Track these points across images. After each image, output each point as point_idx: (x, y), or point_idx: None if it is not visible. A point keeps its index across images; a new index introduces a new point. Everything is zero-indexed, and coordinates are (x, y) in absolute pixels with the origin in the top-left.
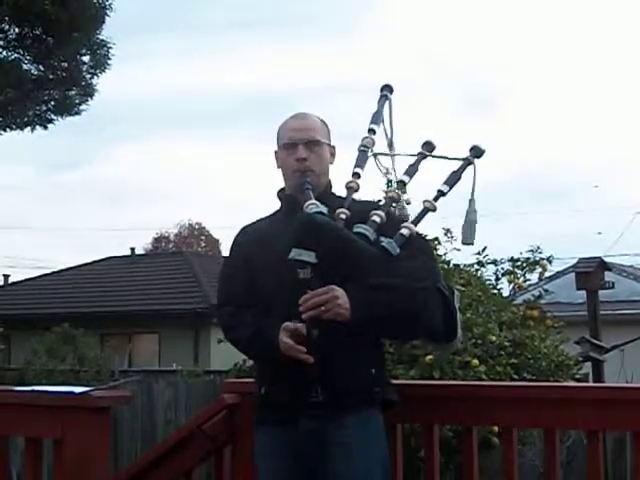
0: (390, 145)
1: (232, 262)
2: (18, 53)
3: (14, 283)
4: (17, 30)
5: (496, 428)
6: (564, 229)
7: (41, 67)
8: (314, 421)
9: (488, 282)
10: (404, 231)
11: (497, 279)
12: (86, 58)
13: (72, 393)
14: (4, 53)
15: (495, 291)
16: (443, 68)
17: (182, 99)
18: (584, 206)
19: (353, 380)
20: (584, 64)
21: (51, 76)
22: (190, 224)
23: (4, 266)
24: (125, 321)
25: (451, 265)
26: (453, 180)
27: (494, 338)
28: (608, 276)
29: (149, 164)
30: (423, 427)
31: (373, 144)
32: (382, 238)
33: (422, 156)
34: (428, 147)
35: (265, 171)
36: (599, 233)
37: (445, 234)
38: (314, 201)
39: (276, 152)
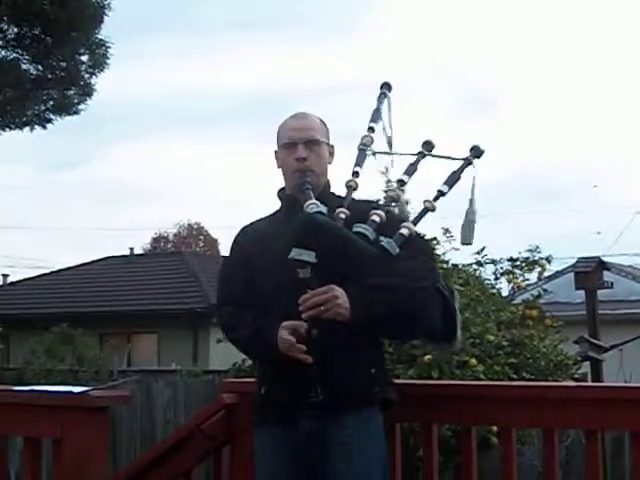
0: (389, 143)
1: (232, 262)
2: (17, 53)
3: (13, 283)
4: (16, 30)
5: (495, 428)
6: (563, 229)
7: (40, 67)
8: (314, 421)
9: (487, 282)
10: (403, 231)
11: (496, 279)
12: (85, 58)
13: (71, 393)
14: (3, 53)
15: (494, 291)
16: (443, 68)
17: (180, 99)
18: (583, 206)
19: (353, 380)
20: (583, 64)
21: (50, 76)
22: (189, 224)
23: (3, 266)
24: (124, 321)
25: (450, 265)
26: (453, 180)
27: (492, 338)
28: (607, 276)
29: (148, 164)
30: (422, 426)
31: (372, 142)
32: (382, 238)
33: (422, 155)
34: (428, 146)
35: (264, 171)
36: (598, 233)
37: (444, 234)
38: (314, 201)
39: (276, 152)
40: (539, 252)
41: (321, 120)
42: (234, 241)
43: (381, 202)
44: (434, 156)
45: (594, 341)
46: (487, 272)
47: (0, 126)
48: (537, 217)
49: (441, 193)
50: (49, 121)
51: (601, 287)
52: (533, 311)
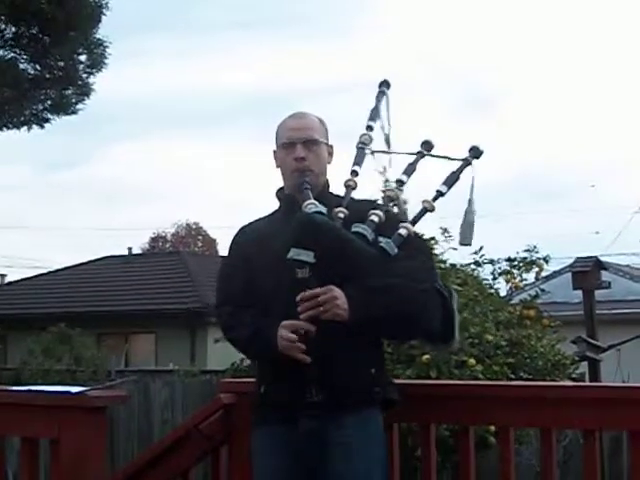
0: (387, 141)
1: (231, 262)
2: (14, 52)
3: (10, 283)
4: (13, 29)
5: (493, 427)
6: (561, 229)
7: (38, 66)
8: (313, 421)
9: (485, 282)
10: (402, 231)
11: (494, 279)
12: (83, 57)
13: (68, 393)
14: (0, 52)
15: (492, 291)
16: (442, 68)
17: (179, 98)
18: (581, 206)
19: (353, 380)
20: (582, 64)
21: (48, 75)
22: (187, 224)
23: (0, 266)
24: (122, 321)
25: (448, 265)
26: (452, 180)
27: (491, 337)
28: (605, 276)
29: (146, 164)
30: (420, 426)
31: (371, 141)
32: (380, 238)
33: (421, 155)
34: (427, 146)
35: (263, 171)
36: (596, 233)
37: (442, 233)
38: (313, 201)
39: (275, 151)
40: (537, 252)
41: (320, 120)
42: (233, 241)
43: (380, 202)
44: (433, 156)
45: (592, 341)
46: (485, 272)
47: None
48: (536, 217)
49: (440, 193)
50: (47, 121)
51: (599, 287)
52: (531, 311)
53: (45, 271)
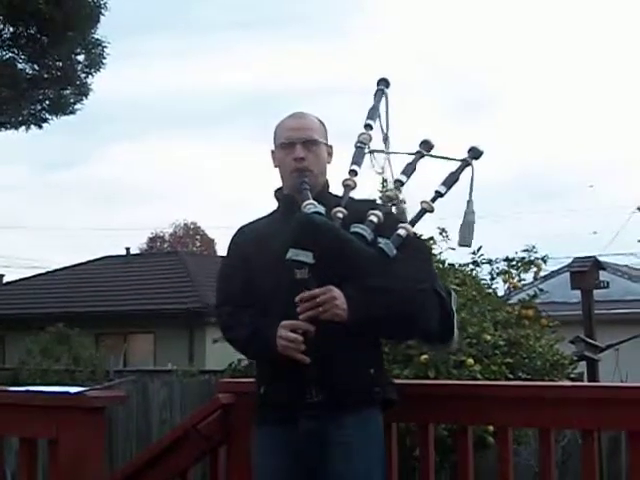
0: (385, 139)
1: (230, 262)
2: (13, 52)
3: (8, 283)
4: (11, 29)
5: (491, 427)
6: (559, 229)
7: (36, 66)
8: (313, 421)
9: (483, 282)
10: (401, 232)
11: (492, 279)
12: (81, 57)
13: (67, 393)
14: None
15: (490, 291)
16: (442, 68)
17: (178, 98)
18: (579, 206)
19: (353, 380)
20: (579, 65)
21: (46, 75)
22: (185, 224)
23: None
24: (120, 321)
25: (446, 265)
26: (451, 181)
27: (489, 337)
28: (603, 275)
29: (144, 164)
30: (418, 426)
31: (370, 140)
32: (379, 239)
33: (420, 155)
34: (426, 146)
35: (262, 171)
36: (594, 233)
37: (440, 233)
38: (312, 201)
39: (273, 151)
40: (535, 252)
41: (319, 120)
42: (232, 241)
43: (379, 202)
44: (432, 156)
45: (590, 341)
46: (483, 272)
47: None
48: (534, 217)
49: (439, 194)
50: (45, 121)
51: (597, 287)
52: (529, 311)
53: (43, 271)
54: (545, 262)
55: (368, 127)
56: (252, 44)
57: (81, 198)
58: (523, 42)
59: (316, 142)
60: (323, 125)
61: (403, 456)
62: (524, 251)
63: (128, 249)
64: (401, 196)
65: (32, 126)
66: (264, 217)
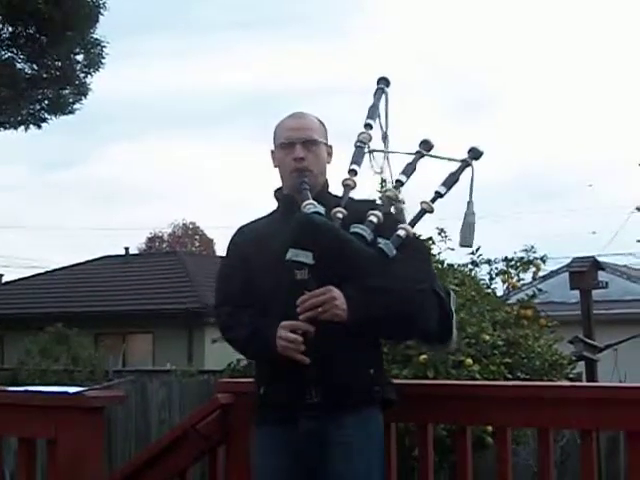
0: (384, 138)
1: (229, 262)
2: (12, 52)
3: (7, 283)
4: (11, 29)
5: (490, 427)
6: (558, 229)
7: (35, 66)
8: (313, 421)
9: (482, 282)
10: (401, 232)
11: (491, 279)
12: (80, 57)
13: (66, 393)
14: None
15: (489, 291)
16: (442, 69)
17: (177, 98)
18: (578, 205)
19: (352, 380)
20: (579, 66)
21: (45, 75)
22: (184, 224)
23: None
24: (119, 321)
25: (445, 265)
26: (451, 182)
27: (488, 337)
28: (602, 276)
29: (143, 163)
30: (417, 426)
31: (370, 140)
32: (379, 239)
33: (420, 155)
34: (426, 146)
35: (261, 171)
36: (593, 232)
37: (439, 234)
38: (312, 201)
39: (273, 151)
40: (534, 252)
41: (319, 120)
42: (231, 241)
43: (378, 202)
44: (432, 156)
45: (589, 341)
46: (482, 272)
47: None
48: (533, 217)
49: (439, 194)
50: (44, 120)
51: (596, 287)
52: (528, 311)
53: (42, 271)
54: (544, 262)
55: (368, 126)
56: (252, 44)
57: (80, 198)
58: (523, 42)
59: (316, 142)
60: (323, 125)
61: (402, 456)
62: (523, 251)
63: (127, 249)
64: (400, 196)
65: (31, 126)
66: (264, 217)
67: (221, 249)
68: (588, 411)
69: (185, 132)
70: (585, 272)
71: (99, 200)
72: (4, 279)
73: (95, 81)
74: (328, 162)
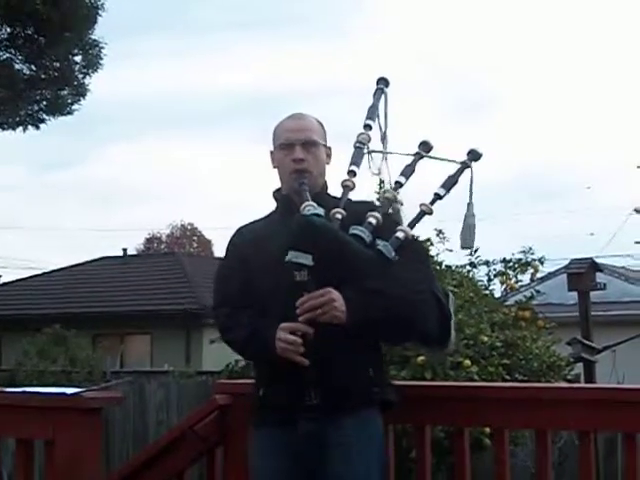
0: (383, 138)
1: (228, 263)
2: (10, 53)
3: (5, 284)
4: (9, 30)
5: (488, 429)
6: (556, 230)
7: (33, 67)
8: (312, 423)
9: (480, 283)
10: (400, 234)
11: (489, 280)
12: (78, 58)
13: (63, 394)
14: None
15: (487, 292)
16: (442, 68)
17: (175, 99)
18: (576, 207)
19: (351, 382)
20: (578, 67)
21: (43, 76)
22: (182, 225)
23: None
24: (117, 322)
25: (443, 266)
26: (450, 184)
27: (486, 339)
28: (600, 277)
29: (141, 164)
30: (415, 428)
31: (369, 140)
32: (378, 241)
33: (419, 156)
34: (425, 147)
35: (260, 172)
36: (591, 234)
37: (437, 235)
38: (311, 202)
39: (272, 152)
40: (532, 253)
41: (318, 121)
42: (230, 242)
43: (377, 203)
44: (431, 158)
45: (587, 342)
46: (480, 274)
47: None
48: (531, 218)
49: (438, 196)
50: (42, 121)
51: (594, 288)
52: (526, 312)
53: (40, 272)
54: (542, 263)
55: (367, 127)
56: (250, 45)
57: (78, 199)
58: (523, 42)
59: (315, 143)
60: (322, 126)
61: (400, 458)
62: (521, 252)
63: (125, 250)
64: (399, 197)
65: (29, 126)
66: (262, 218)
67: (219, 250)
68: (586, 412)
69: (183, 133)
70: (583, 274)
71: (97, 201)
72: (2, 280)
73: (93, 82)
74: (327, 163)
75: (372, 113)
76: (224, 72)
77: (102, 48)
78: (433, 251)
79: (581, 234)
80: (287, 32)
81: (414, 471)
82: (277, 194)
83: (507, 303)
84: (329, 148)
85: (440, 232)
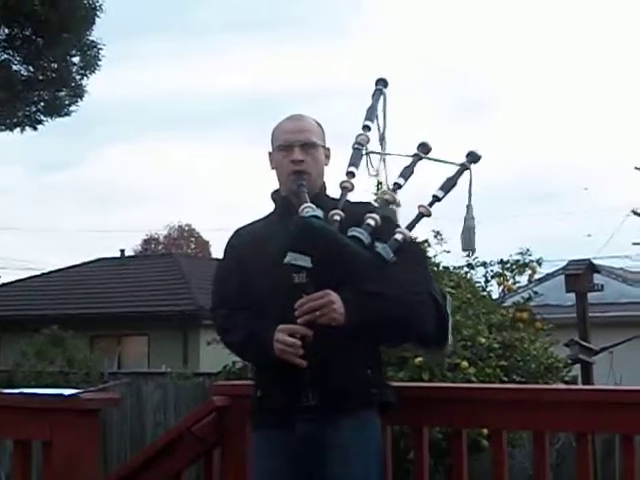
0: (382, 139)
1: (226, 264)
2: (8, 54)
3: (3, 285)
4: (7, 31)
5: (486, 430)
6: (554, 231)
7: (31, 68)
8: (310, 425)
9: (478, 284)
10: (398, 236)
11: (487, 281)
12: (76, 59)
13: (61, 395)
14: None
15: (485, 293)
16: (442, 68)
17: (174, 100)
18: (574, 208)
19: (350, 383)
20: (577, 67)
21: (41, 77)
22: (180, 226)
23: None
24: (114, 323)
25: (441, 267)
26: (449, 186)
27: (483, 340)
28: (597, 278)
29: (139, 165)
30: (412, 429)
31: (368, 141)
32: (377, 243)
33: (418, 158)
34: (424, 149)
35: (258, 173)
36: (589, 235)
37: (435, 236)
38: (309, 204)
39: (270, 153)
40: (530, 255)
41: (317, 122)
42: (228, 243)
43: (376, 204)
44: (430, 159)
45: (584, 344)
46: (478, 275)
47: None
48: (529, 219)
49: (436, 198)
50: (40, 122)
51: (591, 290)
52: (524, 314)
53: (38, 273)
54: (540, 265)
55: (366, 128)
56: (249, 46)
57: (76, 200)
58: (522, 42)
59: (314, 145)
60: (321, 127)
61: (397, 459)
62: (519, 254)
63: (123, 251)
64: (397, 198)
65: (27, 128)
66: (261, 219)
67: (217, 251)
68: (584, 414)
69: (181, 134)
70: (581, 275)
71: (95, 202)
72: (0, 281)
73: (91, 83)
74: (326, 164)
75: (371, 114)
76: (222, 73)
77: (100, 49)
78: (431, 252)
79: (579, 235)
80: (285, 33)
81: (412, 472)
82: (275, 195)
83: (505, 304)
84: (328, 149)
85: (438, 233)
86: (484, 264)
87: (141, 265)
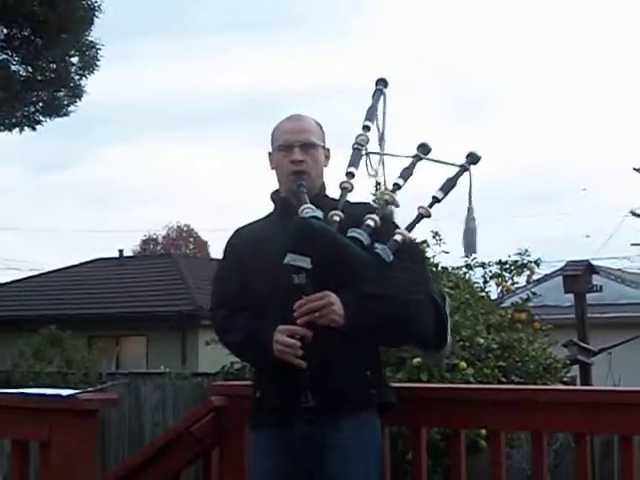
0: (381, 139)
1: (226, 264)
2: (6, 54)
3: (1, 285)
4: (5, 31)
5: (484, 431)
6: (552, 232)
7: (29, 68)
8: (308, 425)
9: (476, 285)
10: (398, 237)
11: (485, 282)
12: (75, 59)
13: (59, 396)
14: None
15: (483, 294)
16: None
17: (172, 101)
18: (572, 209)
19: (349, 384)
20: (576, 68)
21: (39, 77)
22: (179, 226)
23: None
24: (113, 323)
25: (439, 268)
26: (448, 187)
27: (482, 341)
28: (596, 279)
29: (138, 166)
30: (411, 430)
31: (368, 142)
32: (376, 244)
33: (417, 159)
34: (424, 149)
35: (257, 173)
36: (587, 236)
37: (434, 237)
38: (309, 205)
39: (270, 153)
40: (528, 255)
41: (317, 122)
42: (228, 243)
43: (376, 205)
44: (430, 160)
45: (583, 344)
46: (476, 275)
47: None
48: (527, 220)
49: (436, 199)
50: (39, 122)
51: (590, 290)
52: (522, 314)
53: (36, 273)
54: (538, 265)
55: (366, 128)
56: (248, 46)
57: (74, 200)
58: (522, 42)
59: (314, 145)
60: (321, 128)
61: (395, 460)
62: (517, 254)
63: (121, 251)
64: (396, 199)
65: (26, 128)
66: (260, 219)
67: (215, 251)
68: (582, 415)
69: (180, 134)
70: (579, 276)
71: (93, 202)
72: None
73: (90, 83)
74: (325, 165)
75: (371, 114)
76: (221, 73)
77: (99, 49)
78: (429, 253)
79: (577, 236)
80: (284, 33)
81: (410, 473)
82: (275, 196)
83: (503, 305)
84: (327, 150)
85: (436, 234)
86: (483, 265)
87: (140, 265)
